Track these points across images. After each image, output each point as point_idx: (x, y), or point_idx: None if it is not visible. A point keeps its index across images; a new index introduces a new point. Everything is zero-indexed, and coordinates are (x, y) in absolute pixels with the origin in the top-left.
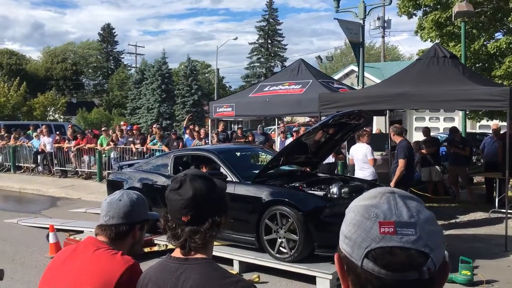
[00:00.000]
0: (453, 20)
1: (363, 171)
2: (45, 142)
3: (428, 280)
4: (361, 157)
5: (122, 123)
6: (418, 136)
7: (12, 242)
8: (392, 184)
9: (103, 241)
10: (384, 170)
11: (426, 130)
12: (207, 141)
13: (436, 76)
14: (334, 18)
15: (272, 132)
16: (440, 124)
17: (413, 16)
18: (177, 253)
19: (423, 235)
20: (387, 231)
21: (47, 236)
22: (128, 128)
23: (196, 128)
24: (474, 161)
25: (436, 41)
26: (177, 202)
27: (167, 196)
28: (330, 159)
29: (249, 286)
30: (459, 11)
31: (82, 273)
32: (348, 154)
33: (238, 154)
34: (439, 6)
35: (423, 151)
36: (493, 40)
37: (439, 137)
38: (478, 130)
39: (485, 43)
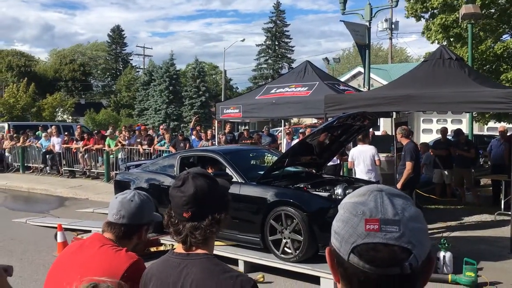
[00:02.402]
0: (460, 22)
1: (370, 174)
2: (54, 143)
3: (411, 275)
4: (369, 159)
5: (134, 124)
6: (425, 138)
7: (21, 241)
8: (399, 185)
9: (109, 238)
10: (390, 171)
11: (444, 130)
12: (214, 142)
13: (442, 78)
14: (340, 20)
15: (279, 134)
16: (448, 126)
17: (421, 19)
18: (179, 249)
19: (406, 232)
20: (372, 228)
21: (55, 235)
22: (137, 128)
23: (202, 129)
24: (481, 163)
25: (443, 43)
26: (179, 198)
27: (171, 193)
28: (335, 160)
29: (248, 280)
30: (466, 13)
31: (88, 268)
32: (349, 156)
33: (244, 155)
34: (445, 9)
35: (431, 152)
36: (500, 42)
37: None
38: (486, 132)
39: (492, 45)
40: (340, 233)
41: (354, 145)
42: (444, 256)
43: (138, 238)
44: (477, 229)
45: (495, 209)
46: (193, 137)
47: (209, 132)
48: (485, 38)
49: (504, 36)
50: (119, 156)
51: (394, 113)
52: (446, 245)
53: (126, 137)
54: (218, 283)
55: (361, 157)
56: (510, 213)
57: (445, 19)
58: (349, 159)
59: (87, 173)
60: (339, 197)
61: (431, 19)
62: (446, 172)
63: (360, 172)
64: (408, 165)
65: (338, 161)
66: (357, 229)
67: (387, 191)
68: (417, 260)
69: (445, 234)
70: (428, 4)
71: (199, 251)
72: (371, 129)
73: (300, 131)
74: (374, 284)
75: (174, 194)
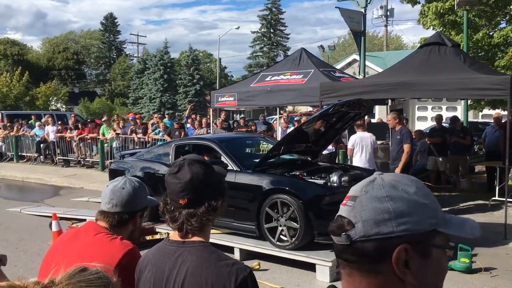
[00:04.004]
0: (455, 9)
1: (370, 161)
2: (49, 131)
3: (359, 250)
4: (370, 146)
5: (128, 113)
6: (420, 125)
7: (16, 230)
8: (398, 169)
9: (103, 226)
10: (385, 159)
11: (439, 118)
12: (209, 130)
13: (437, 65)
14: (336, 7)
15: (274, 122)
16: (443, 113)
17: (417, 4)
18: (175, 236)
19: (357, 207)
20: (344, 202)
21: (50, 224)
22: (132, 118)
23: (198, 118)
24: (476, 150)
25: (439, 29)
26: (175, 185)
27: (166, 180)
28: (331, 148)
29: (244, 268)
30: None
31: (83, 257)
32: (349, 143)
33: (239, 143)
34: None
35: (427, 140)
36: (498, 29)
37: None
38: (480, 120)
39: (489, 32)
40: None
41: (351, 132)
42: None
43: (133, 225)
44: (472, 216)
45: (490, 195)
46: (188, 125)
47: (203, 120)
48: (481, 26)
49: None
50: (114, 145)
51: (390, 100)
52: None
53: (120, 126)
54: (214, 271)
55: (363, 144)
56: (504, 199)
57: (441, 6)
58: (349, 146)
59: (82, 162)
60: (335, 184)
61: (427, 4)
62: (440, 159)
63: (359, 159)
64: (407, 147)
65: (334, 149)
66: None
67: (386, 176)
68: (357, 234)
69: None
70: None
71: (195, 238)
72: (366, 117)
73: (296, 119)
74: (338, 255)
75: (170, 181)
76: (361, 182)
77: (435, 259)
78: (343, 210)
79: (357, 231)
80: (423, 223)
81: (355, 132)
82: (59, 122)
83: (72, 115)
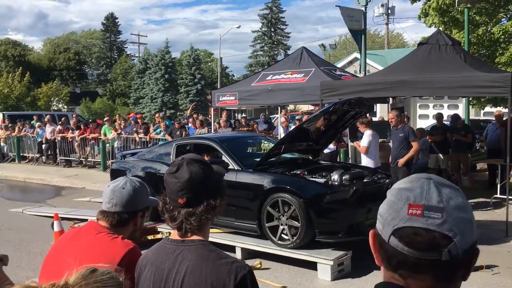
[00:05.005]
0: (456, 6)
1: (377, 160)
2: (47, 131)
3: (450, 263)
4: (378, 144)
5: (128, 113)
6: (422, 123)
7: (18, 231)
8: (403, 161)
9: (104, 226)
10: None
11: (440, 116)
12: (210, 129)
13: (438, 63)
14: (336, 5)
15: (275, 120)
16: (444, 111)
17: (417, 1)
18: (174, 235)
19: (449, 220)
20: (415, 212)
21: (52, 224)
22: (132, 118)
23: (200, 117)
24: (477, 148)
25: (440, 27)
26: (174, 184)
27: (165, 179)
28: (332, 147)
29: (244, 266)
30: None
31: (85, 255)
32: (364, 141)
33: (240, 142)
34: None
35: (429, 138)
36: (498, 25)
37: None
38: (482, 117)
39: (489, 29)
40: (383, 216)
41: (352, 131)
42: None
43: (134, 225)
44: (474, 213)
45: (491, 193)
46: (190, 125)
47: (203, 119)
48: (482, 23)
49: (502, 20)
50: (115, 145)
51: (391, 98)
52: None
53: (121, 126)
54: (213, 269)
55: (375, 142)
56: (505, 197)
57: (442, 2)
58: (365, 144)
59: (83, 162)
60: (336, 183)
61: (427, 1)
62: (442, 157)
63: (374, 157)
64: (416, 144)
65: (335, 148)
66: (400, 212)
67: (435, 180)
68: (457, 249)
69: None
70: None
71: (194, 237)
72: (368, 115)
73: (297, 117)
74: (412, 266)
75: (168, 180)
76: (431, 190)
77: None
78: (425, 223)
79: (458, 245)
80: None
81: (357, 131)
82: (60, 122)
83: (74, 115)
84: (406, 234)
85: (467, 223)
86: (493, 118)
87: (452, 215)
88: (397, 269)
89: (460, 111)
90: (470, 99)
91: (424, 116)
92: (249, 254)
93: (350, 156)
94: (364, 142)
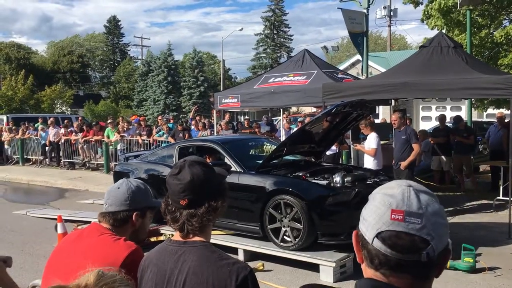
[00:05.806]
0: (458, 8)
1: (381, 161)
2: (50, 133)
3: (427, 263)
4: (380, 147)
5: (131, 115)
6: (425, 125)
7: (21, 233)
8: (406, 163)
9: (106, 227)
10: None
11: (442, 118)
12: (212, 131)
13: (440, 65)
14: (338, 8)
15: (277, 123)
16: (447, 113)
17: (419, 5)
18: (177, 236)
19: (428, 225)
20: (397, 218)
21: (55, 226)
22: (135, 121)
23: (203, 120)
24: (480, 149)
25: (443, 30)
26: (176, 186)
27: (167, 181)
28: (334, 149)
29: (245, 267)
30: None
31: (88, 257)
32: (373, 143)
33: (242, 144)
34: None
35: (431, 140)
36: (500, 28)
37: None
38: (485, 119)
39: (491, 32)
40: (367, 219)
41: (354, 133)
42: None
43: (132, 225)
44: (476, 215)
45: (494, 195)
46: (192, 127)
47: (206, 121)
48: (484, 25)
49: (504, 23)
50: (118, 147)
51: (393, 100)
52: None
53: (125, 128)
54: (214, 270)
55: (380, 144)
56: (508, 199)
57: (444, 4)
58: (374, 146)
59: (87, 164)
60: (338, 185)
61: (430, 4)
62: (444, 159)
63: (379, 159)
64: (417, 146)
65: (337, 150)
66: (383, 217)
67: (415, 187)
68: (434, 251)
69: None
70: None
71: (196, 238)
72: (371, 117)
73: (299, 119)
74: (394, 266)
75: (171, 182)
76: (411, 197)
77: None
78: (406, 227)
79: (435, 248)
80: None
81: (359, 132)
82: (66, 120)
83: (80, 118)
84: (389, 237)
85: (443, 227)
86: (495, 120)
87: (430, 221)
88: (379, 268)
89: (463, 113)
90: (473, 101)
91: (427, 118)
92: (252, 255)
93: (352, 158)
94: (372, 144)
